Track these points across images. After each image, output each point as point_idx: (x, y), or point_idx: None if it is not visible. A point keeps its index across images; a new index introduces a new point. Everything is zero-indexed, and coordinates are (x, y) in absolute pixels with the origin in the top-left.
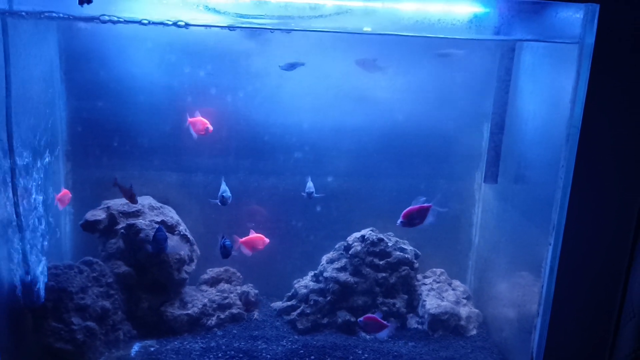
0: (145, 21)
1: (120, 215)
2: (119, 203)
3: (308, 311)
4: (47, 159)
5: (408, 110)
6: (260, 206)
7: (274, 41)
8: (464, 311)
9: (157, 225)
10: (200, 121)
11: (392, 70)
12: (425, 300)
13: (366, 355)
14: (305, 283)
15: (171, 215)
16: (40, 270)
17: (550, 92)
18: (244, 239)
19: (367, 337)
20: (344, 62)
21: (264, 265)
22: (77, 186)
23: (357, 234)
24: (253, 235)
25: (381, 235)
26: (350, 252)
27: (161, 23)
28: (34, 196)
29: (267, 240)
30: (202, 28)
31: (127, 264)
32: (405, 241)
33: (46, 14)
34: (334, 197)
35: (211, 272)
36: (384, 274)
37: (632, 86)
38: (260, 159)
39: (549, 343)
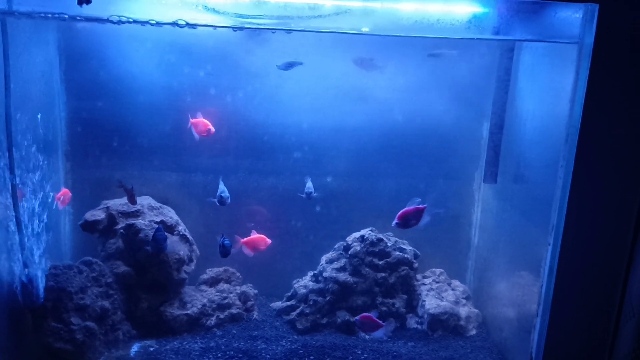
0: (153, 22)
1: (120, 215)
2: (118, 203)
3: (307, 311)
4: (46, 159)
5: (407, 110)
6: (260, 206)
7: (273, 41)
8: (463, 311)
9: (156, 225)
10: (202, 122)
11: (392, 70)
12: (424, 300)
13: (365, 355)
14: (304, 283)
15: (170, 215)
16: (39, 270)
17: (549, 92)
18: (245, 239)
19: (367, 337)
20: (343, 62)
21: (263, 265)
22: (76, 186)
23: (357, 234)
24: (255, 235)
25: (380, 235)
26: (349, 252)
27: (171, 24)
28: (33, 196)
29: (269, 240)
30: (201, 28)
31: (126, 264)
32: (405, 241)
33: (55, 15)
34: (334, 197)
35: (210, 272)
36: (383, 274)
37: (631, 86)
38: (259, 159)
39: (549, 343)
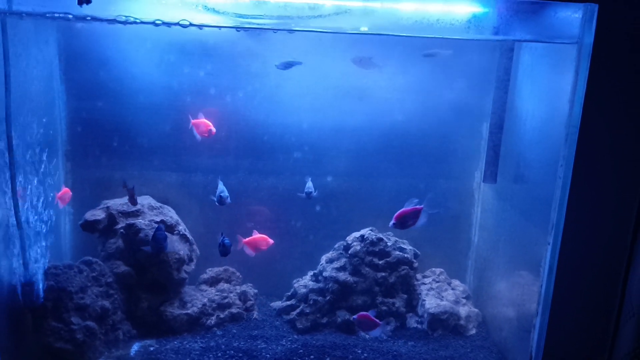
0: (159, 22)
1: (120, 215)
2: (118, 203)
3: (307, 311)
4: (46, 159)
5: (407, 110)
6: (261, 206)
7: (273, 41)
8: (463, 310)
9: (156, 225)
10: (203, 123)
11: (392, 70)
12: (424, 300)
13: (365, 355)
14: (304, 283)
15: (171, 215)
16: (39, 270)
17: (549, 91)
18: (247, 239)
19: (367, 336)
20: (343, 62)
21: (263, 265)
22: (76, 186)
23: (357, 234)
24: (257, 235)
25: (380, 235)
26: (349, 252)
27: (175, 24)
28: (33, 196)
29: (271, 241)
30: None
31: (126, 264)
32: (405, 241)
33: (61, 15)
34: (334, 196)
35: (211, 272)
36: (383, 274)
37: (630, 86)
38: (259, 158)
39: (548, 342)
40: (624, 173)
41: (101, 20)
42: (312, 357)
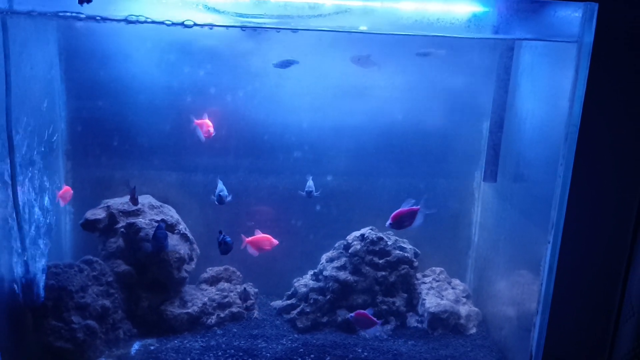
0: (169, 22)
1: (120, 214)
2: (118, 202)
3: (308, 310)
4: (47, 158)
5: (407, 109)
6: (262, 205)
7: (273, 40)
8: (463, 310)
9: (157, 224)
10: (205, 123)
11: (392, 69)
12: (424, 299)
13: (366, 354)
14: (305, 282)
15: (171, 214)
16: (40, 269)
17: (549, 90)
18: (250, 238)
19: (367, 336)
20: (343, 61)
21: (263, 264)
22: (77, 185)
23: (357, 233)
24: (260, 235)
25: (381, 234)
26: (349, 251)
27: (180, 24)
28: (34, 195)
29: (275, 241)
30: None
31: (127, 263)
32: (405, 240)
33: (73, 14)
34: (334, 196)
35: (211, 271)
36: (383, 273)
37: (630, 85)
38: (259, 158)
39: (548, 341)
40: (624, 172)
41: (112, 20)
42: (312, 356)
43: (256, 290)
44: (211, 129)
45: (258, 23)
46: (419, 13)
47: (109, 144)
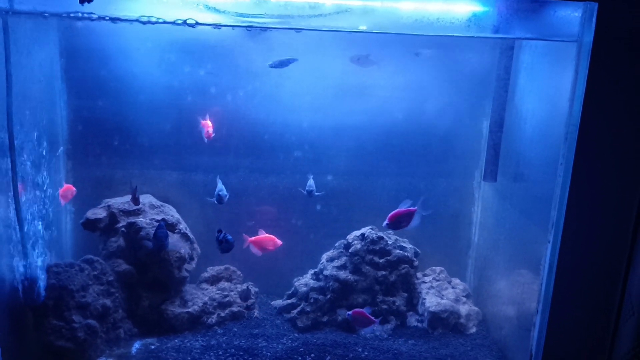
0: (180, 21)
1: (121, 213)
2: (119, 202)
3: (308, 309)
4: (47, 158)
5: (407, 109)
6: (261, 205)
7: (273, 40)
8: (463, 309)
9: (157, 224)
10: (206, 124)
11: (392, 69)
12: (425, 298)
13: (366, 353)
14: (305, 281)
15: (171, 213)
16: (41, 268)
17: (548, 90)
18: (253, 238)
19: (367, 335)
20: (343, 60)
21: (264, 264)
22: (77, 184)
23: (357, 232)
24: (263, 235)
25: (381, 234)
26: (350, 251)
27: (182, 22)
28: (34, 195)
29: (279, 242)
30: (201, 26)
31: (127, 262)
32: (405, 239)
33: (84, 15)
34: (334, 195)
35: (211, 271)
36: (383, 272)
37: (630, 84)
38: (260, 157)
39: (548, 340)
40: (624, 171)
41: (122, 20)
42: (312, 355)
43: (256, 289)
44: (210, 130)
45: (258, 23)
46: (419, 12)
47: (109, 144)
